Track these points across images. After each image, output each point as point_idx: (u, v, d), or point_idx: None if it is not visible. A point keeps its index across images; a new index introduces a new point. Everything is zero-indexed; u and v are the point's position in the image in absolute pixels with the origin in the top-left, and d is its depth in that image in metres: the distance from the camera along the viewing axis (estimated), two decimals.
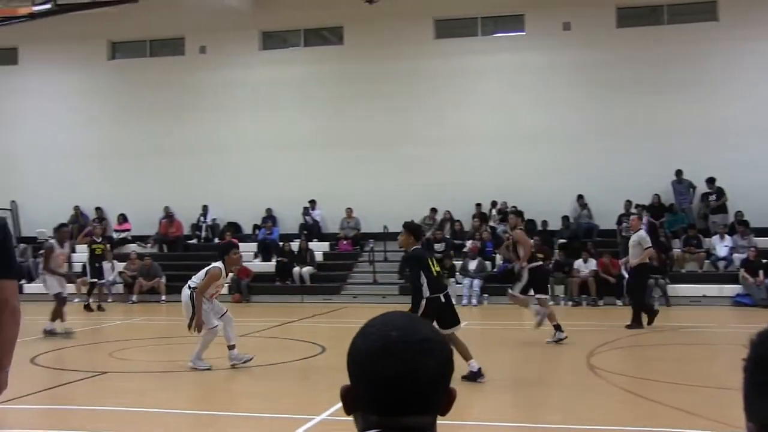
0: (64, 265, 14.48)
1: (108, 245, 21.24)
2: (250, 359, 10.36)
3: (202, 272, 10.12)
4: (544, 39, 23.09)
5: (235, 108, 24.77)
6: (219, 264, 10.16)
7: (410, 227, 9.39)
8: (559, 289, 19.79)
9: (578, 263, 19.91)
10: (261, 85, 24.72)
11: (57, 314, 13.79)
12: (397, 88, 23.62)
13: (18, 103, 26.38)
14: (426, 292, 8.93)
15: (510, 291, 13.10)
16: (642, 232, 14.60)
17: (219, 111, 24.81)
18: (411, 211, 22.32)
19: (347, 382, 1.56)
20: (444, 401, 1.55)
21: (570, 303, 19.53)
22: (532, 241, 13.60)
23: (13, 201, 25.93)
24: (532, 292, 12.58)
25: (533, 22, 23.31)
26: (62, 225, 15.70)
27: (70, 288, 15.66)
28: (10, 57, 26.88)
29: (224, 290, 21.20)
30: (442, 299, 9.06)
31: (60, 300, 13.89)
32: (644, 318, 14.32)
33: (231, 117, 24.75)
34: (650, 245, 14.60)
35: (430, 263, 9.16)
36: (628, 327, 14.09)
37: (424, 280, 8.93)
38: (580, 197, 22.18)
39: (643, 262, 14.42)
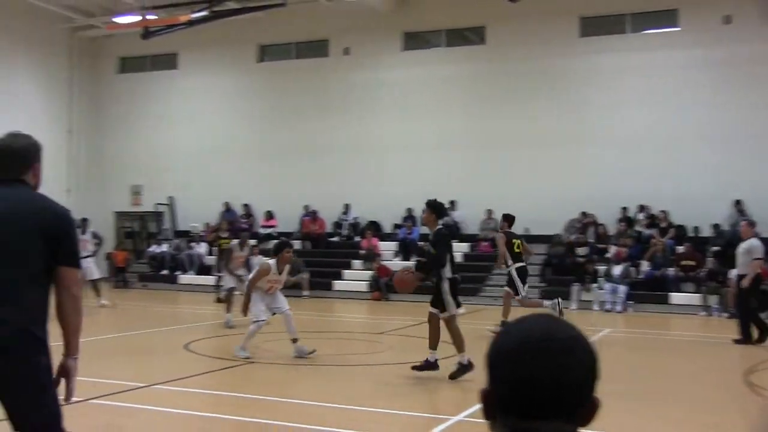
0: (240, 266, 15.48)
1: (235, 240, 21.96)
2: (313, 352, 10.78)
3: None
4: (700, 34, 21.96)
5: (377, 108, 25.12)
6: (271, 260, 10.84)
7: (433, 205, 9.56)
8: (713, 299, 18.74)
9: (734, 273, 18.67)
10: (403, 86, 24.96)
11: (229, 305, 14.81)
12: (541, 88, 23.27)
13: (178, 105, 27.83)
14: (448, 273, 9.24)
15: (518, 299, 13.42)
16: (753, 241, 13.26)
17: (361, 111, 25.25)
18: (554, 214, 22.09)
19: (485, 383, 1.55)
20: (586, 410, 1.49)
21: (725, 314, 17.96)
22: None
23: (170, 197, 27.35)
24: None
25: (688, 16, 22.28)
26: (243, 230, 16.83)
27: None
28: (171, 62, 28.38)
29: (364, 287, 21.72)
30: (459, 279, 9.46)
31: (230, 294, 14.95)
32: (755, 333, 13.04)
33: (373, 117, 25.13)
34: (760, 256, 13.20)
35: (451, 246, 9.47)
36: (758, 342, 13.05)
37: (447, 260, 9.21)
38: (737, 203, 21.01)
39: (755, 273, 13.02)
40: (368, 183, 24.80)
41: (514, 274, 13.40)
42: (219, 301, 17.28)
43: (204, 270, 23.98)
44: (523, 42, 23.45)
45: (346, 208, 25.06)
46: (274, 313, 10.94)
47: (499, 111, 23.68)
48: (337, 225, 25.16)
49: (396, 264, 22.79)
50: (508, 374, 1.49)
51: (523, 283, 13.45)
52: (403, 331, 14.66)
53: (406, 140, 24.61)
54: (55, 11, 25.59)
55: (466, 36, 25.12)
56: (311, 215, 25.13)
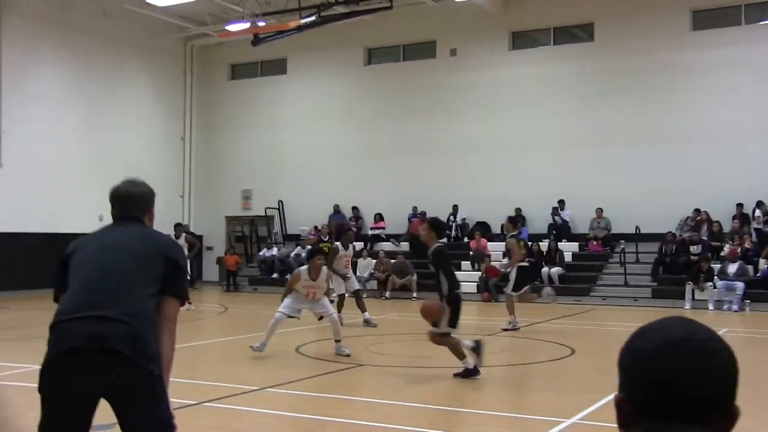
0: (347, 266, 15.53)
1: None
2: (349, 355, 10.99)
3: None
4: None
5: (485, 109, 24.98)
6: (303, 267, 11.14)
7: (433, 223, 9.76)
8: None
9: None
10: (511, 86, 24.73)
11: (340, 306, 15.05)
12: (651, 84, 22.66)
13: (287, 110, 28.39)
14: (445, 290, 9.31)
15: (505, 291, 14.77)
16: None
17: (469, 112, 25.16)
18: (665, 211, 21.49)
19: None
20: (727, 417, 1.46)
21: None
22: (522, 251, 14.72)
23: (280, 200, 27.91)
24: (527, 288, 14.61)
25: None
26: (347, 229, 16.91)
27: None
28: (280, 67, 29.00)
29: (473, 289, 21.61)
30: (461, 297, 9.48)
31: (341, 299, 15.14)
32: None
33: (481, 118, 25.00)
34: None
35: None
36: None
37: (444, 278, 9.30)
38: None
39: None
40: (476, 183, 24.69)
41: (514, 273, 14.51)
42: None
43: None
44: (632, 37, 22.89)
45: (455, 209, 25.00)
46: (321, 318, 11.30)
47: (608, 108, 23.19)
48: (446, 226, 25.10)
49: (505, 264, 22.62)
50: (645, 378, 1.46)
51: (524, 281, 14.54)
52: (514, 333, 14.50)
53: (513, 140, 24.40)
54: (169, 21, 26.57)
55: (575, 33, 24.69)
56: (420, 216, 25.18)
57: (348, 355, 10.99)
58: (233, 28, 24.75)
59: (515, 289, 14.52)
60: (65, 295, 3.51)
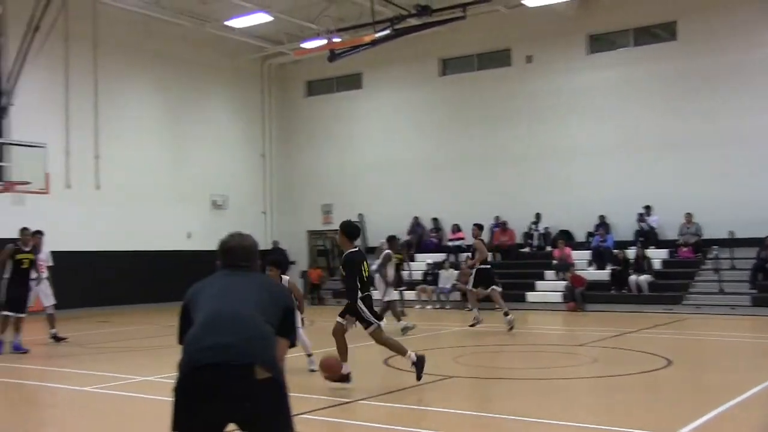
0: (391, 273, 16.51)
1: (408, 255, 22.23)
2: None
3: None
4: None
5: (564, 115, 24.57)
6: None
7: (344, 227, 9.58)
8: None
9: None
10: (589, 90, 24.28)
11: (396, 315, 15.98)
12: (740, 82, 21.90)
13: (364, 124, 28.57)
14: (359, 293, 9.38)
15: (469, 290, 16.58)
16: None
17: (548, 119, 24.78)
18: (762, 214, 20.63)
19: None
20: None
21: None
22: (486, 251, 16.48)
23: (360, 214, 27.95)
24: (483, 288, 16.16)
25: None
26: (392, 236, 17.32)
27: (411, 294, 16.96)
28: (355, 82, 29.16)
29: (558, 298, 21.21)
30: (371, 296, 9.62)
31: (384, 305, 15.95)
32: None
33: (560, 124, 24.59)
34: None
35: (364, 267, 9.48)
36: None
37: (358, 282, 9.37)
38: None
39: None
40: (558, 191, 24.28)
41: (474, 274, 16.31)
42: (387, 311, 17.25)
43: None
44: (718, 34, 22.18)
45: (537, 218, 24.61)
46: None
47: (694, 109, 22.50)
48: (528, 235, 24.76)
49: (590, 273, 22.17)
50: None
51: (490, 281, 16.20)
52: (604, 343, 14.13)
53: (594, 145, 23.91)
54: (247, 42, 27.01)
55: (656, 33, 24.05)
56: (501, 226, 24.90)
57: (312, 371, 10.65)
58: (309, 45, 24.99)
59: (474, 286, 16.26)
60: (192, 328, 3.72)
